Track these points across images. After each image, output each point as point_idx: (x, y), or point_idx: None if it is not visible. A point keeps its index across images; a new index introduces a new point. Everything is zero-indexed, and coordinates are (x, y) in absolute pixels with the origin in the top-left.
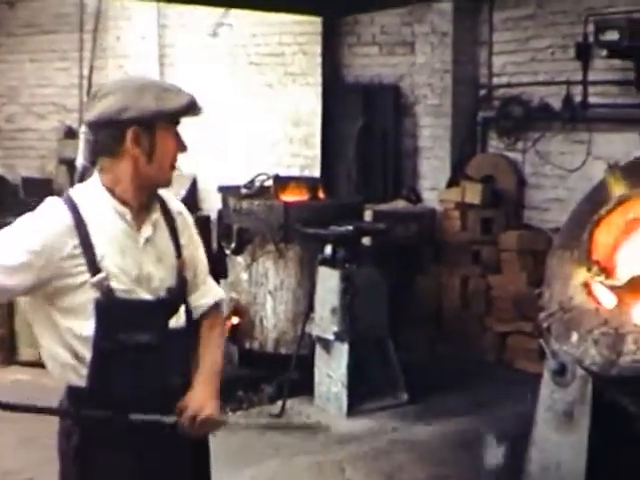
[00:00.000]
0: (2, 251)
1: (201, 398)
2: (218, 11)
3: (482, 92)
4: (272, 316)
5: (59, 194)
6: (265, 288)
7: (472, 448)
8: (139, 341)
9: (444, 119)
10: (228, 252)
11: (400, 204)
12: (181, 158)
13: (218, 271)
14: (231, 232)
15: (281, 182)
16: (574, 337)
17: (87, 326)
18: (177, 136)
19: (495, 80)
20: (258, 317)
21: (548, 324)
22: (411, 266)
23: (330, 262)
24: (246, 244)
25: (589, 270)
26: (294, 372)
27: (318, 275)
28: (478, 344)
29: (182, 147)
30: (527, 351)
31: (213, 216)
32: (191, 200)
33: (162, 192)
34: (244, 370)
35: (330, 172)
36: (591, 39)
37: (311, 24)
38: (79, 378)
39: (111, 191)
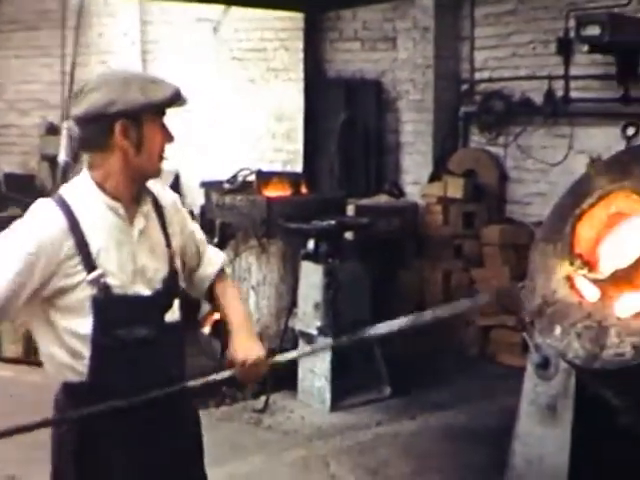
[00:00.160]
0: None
1: (244, 343)
2: (201, 7)
3: (464, 87)
4: (255, 311)
5: (41, 190)
6: (248, 283)
7: (456, 441)
8: (137, 336)
9: (426, 114)
10: None
11: (382, 199)
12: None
13: None
14: (214, 227)
15: (264, 177)
16: (557, 330)
17: (85, 323)
18: (164, 127)
19: (477, 75)
20: None
21: (531, 318)
22: (394, 260)
23: (313, 257)
24: (229, 239)
25: (572, 264)
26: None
27: (301, 270)
28: (461, 338)
29: (169, 137)
30: (510, 345)
31: (196, 211)
32: None
33: (150, 183)
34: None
35: (312, 167)
36: (572, 34)
37: (293, 20)
38: (76, 375)
39: (101, 187)
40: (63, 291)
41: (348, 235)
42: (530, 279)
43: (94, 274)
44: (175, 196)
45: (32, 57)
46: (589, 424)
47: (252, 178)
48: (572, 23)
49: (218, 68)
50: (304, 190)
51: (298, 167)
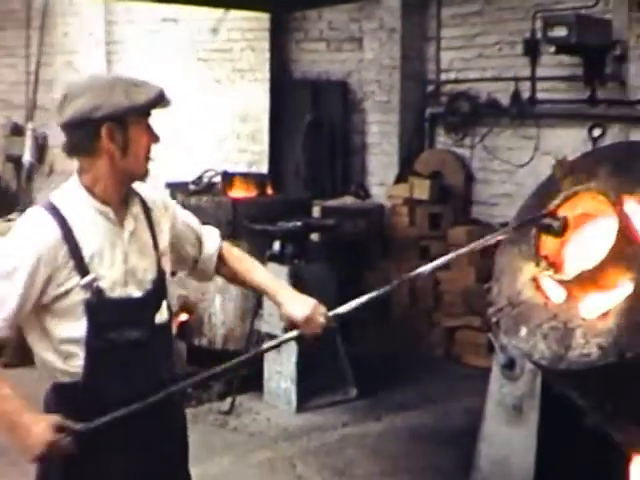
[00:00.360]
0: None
1: (296, 300)
2: (165, 7)
3: (430, 88)
4: (221, 313)
5: (6, 191)
6: (214, 285)
7: (422, 442)
8: (129, 338)
9: (392, 115)
10: None
11: (348, 200)
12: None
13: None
14: None
15: (229, 178)
16: (523, 331)
17: (78, 327)
18: (149, 128)
19: (443, 76)
20: (207, 314)
21: (497, 319)
22: (360, 262)
23: (279, 258)
24: None
25: (538, 265)
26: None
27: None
28: (427, 339)
29: (155, 138)
30: (476, 346)
31: None
32: None
33: (136, 185)
34: (193, 367)
35: (278, 168)
36: (539, 35)
37: (259, 20)
38: (67, 377)
39: (91, 191)
40: (58, 297)
41: (314, 236)
42: (496, 280)
43: (87, 279)
44: (162, 195)
45: None
46: (555, 425)
47: (217, 179)
48: (539, 24)
49: (183, 68)
50: (270, 191)
51: (264, 168)
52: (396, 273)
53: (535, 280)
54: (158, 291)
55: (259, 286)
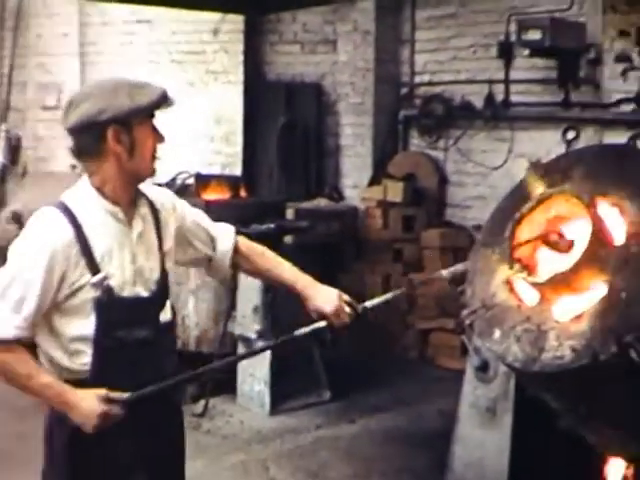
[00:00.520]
0: (18, 286)
1: (325, 295)
2: (139, 9)
3: (404, 90)
4: (194, 315)
5: None
6: (187, 287)
7: (396, 444)
8: (137, 337)
9: (366, 117)
10: None
11: (322, 202)
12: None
13: None
14: None
15: (202, 180)
16: (496, 334)
17: (86, 325)
18: (154, 129)
19: (417, 78)
20: (180, 316)
21: (471, 321)
22: (333, 264)
23: None
24: None
25: (511, 267)
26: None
27: (240, 273)
28: (401, 341)
29: (160, 138)
30: (449, 348)
31: None
32: None
33: (144, 186)
34: None
35: (252, 170)
36: (513, 38)
37: (233, 22)
38: (74, 375)
39: (101, 191)
40: (69, 295)
41: (287, 239)
42: (469, 282)
43: (98, 277)
44: (170, 194)
45: None
46: (528, 427)
47: (191, 181)
48: (513, 27)
49: (157, 70)
50: (243, 193)
51: (237, 170)
52: (370, 275)
53: (509, 283)
54: (163, 291)
55: (285, 281)
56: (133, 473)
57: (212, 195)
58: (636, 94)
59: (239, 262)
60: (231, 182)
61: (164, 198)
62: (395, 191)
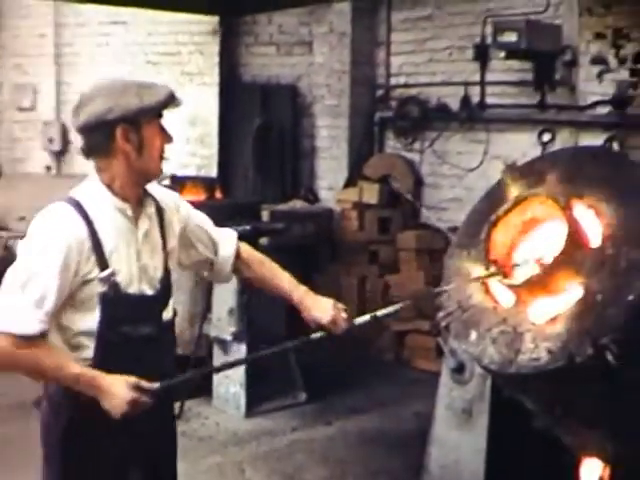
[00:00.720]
0: (38, 282)
1: (322, 305)
2: (115, 10)
3: (380, 92)
4: None
5: None
6: None
7: (372, 446)
8: (141, 333)
9: (342, 119)
10: None
11: (297, 204)
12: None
13: None
14: None
15: (178, 182)
16: (473, 336)
17: (91, 319)
18: (162, 128)
19: (393, 80)
20: None
21: (447, 323)
22: (309, 266)
23: None
24: None
25: (487, 269)
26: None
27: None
28: (377, 343)
29: (168, 138)
30: (425, 350)
31: None
32: None
33: (150, 186)
34: None
35: (227, 172)
36: (489, 40)
37: (208, 23)
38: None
39: (110, 188)
40: (77, 289)
41: (263, 240)
42: (445, 284)
43: (105, 272)
44: (175, 195)
45: None
46: (504, 428)
47: (166, 183)
48: (489, 29)
49: (132, 71)
50: (218, 195)
51: (212, 172)
52: (345, 277)
53: (484, 284)
54: (166, 290)
55: (283, 291)
56: (128, 469)
57: (187, 197)
58: (612, 96)
59: (240, 268)
60: (206, 184)
61: (169, 199)
62: (371, 193)
